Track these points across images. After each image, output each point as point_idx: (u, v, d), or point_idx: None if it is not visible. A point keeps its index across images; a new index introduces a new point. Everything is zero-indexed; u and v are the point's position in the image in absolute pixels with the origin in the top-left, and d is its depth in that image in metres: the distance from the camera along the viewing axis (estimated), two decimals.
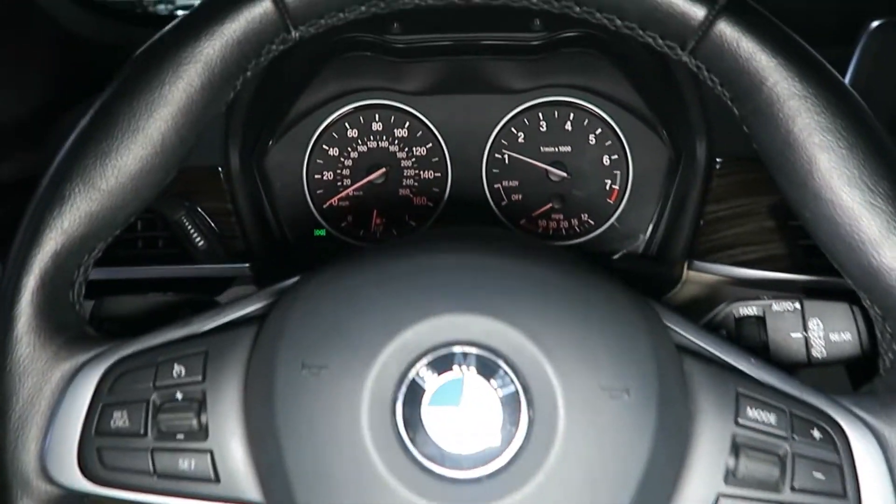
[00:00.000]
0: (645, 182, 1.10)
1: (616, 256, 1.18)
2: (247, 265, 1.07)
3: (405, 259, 0.48)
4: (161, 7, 1.62)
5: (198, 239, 1.11)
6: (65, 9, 1.12)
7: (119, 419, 0.47)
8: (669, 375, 0.45)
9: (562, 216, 1.14)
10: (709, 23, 0.54)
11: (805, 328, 0.68)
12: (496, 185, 1.14)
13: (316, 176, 1.14)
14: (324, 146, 1.14)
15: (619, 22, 0.58)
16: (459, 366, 0.44)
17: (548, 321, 0.44)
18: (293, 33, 0.50)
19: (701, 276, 1.09)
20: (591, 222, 1.14)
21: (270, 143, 1.18)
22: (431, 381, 0.43)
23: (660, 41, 0.58)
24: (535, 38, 1.10)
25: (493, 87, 1.11)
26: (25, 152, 1.03)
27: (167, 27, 0.52)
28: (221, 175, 1.08)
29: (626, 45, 1.07)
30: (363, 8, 0.50)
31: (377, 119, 1.14)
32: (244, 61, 0.50)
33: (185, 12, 0.52)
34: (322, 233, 1.15)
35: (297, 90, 1.16)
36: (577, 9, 0.57)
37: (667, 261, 1.06)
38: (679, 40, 0.56)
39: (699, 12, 0.55)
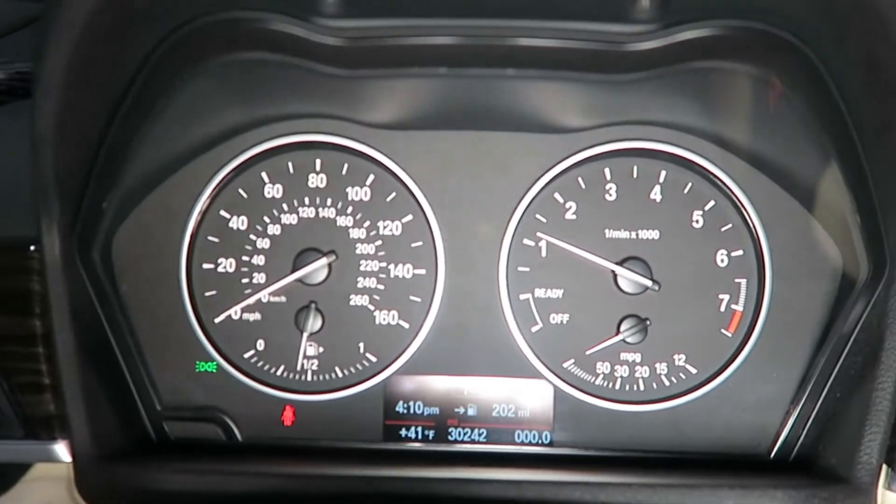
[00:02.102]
0: (792, 305, 0.80)
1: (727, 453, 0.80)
2: (57, 444, 0.73)
3: None
4: None
5: None
6: None
7: None
8: None
9: (639, 357, 0.84)
10: None
11: None
12: (523, 296, 0.86)
13: (205, 266, 0.83)
14: (221, 213, 0.83)
15: None
16: None
17: None
18: None
19: None
20: (692, 371, 0.82)
21: (105, 204, 0.78)
22: None
23: None
24: (639, 37, 0.69)
25: (525, 120, 0.81)
26: None
27: None
28: (32, 264, 0.71)
29: (829, 58, 0.68)
30: None
31: (317, 168, 0.87)
32: None
33: None
34: (211, 367, 0.84)
35: (157, 113, 0.78)
36: None
37: (837, 474, 0.72)
38: None
39: None
